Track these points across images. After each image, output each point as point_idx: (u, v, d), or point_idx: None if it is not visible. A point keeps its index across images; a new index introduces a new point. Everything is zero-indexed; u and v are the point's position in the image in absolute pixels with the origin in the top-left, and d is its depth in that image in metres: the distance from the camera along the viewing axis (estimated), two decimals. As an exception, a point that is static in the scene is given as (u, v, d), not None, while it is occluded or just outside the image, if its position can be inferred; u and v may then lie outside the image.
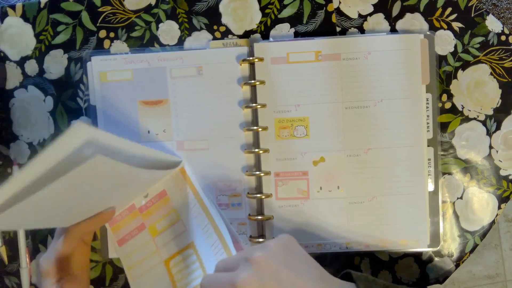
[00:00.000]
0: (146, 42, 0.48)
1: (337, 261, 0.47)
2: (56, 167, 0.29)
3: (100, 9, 0.48)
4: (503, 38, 0.47)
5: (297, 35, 0.47)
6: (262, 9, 0.47)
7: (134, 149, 0.36)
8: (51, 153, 0.29)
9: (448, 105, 0.47)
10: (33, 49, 0.48)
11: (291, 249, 0.35)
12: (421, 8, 0.47)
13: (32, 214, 0.34)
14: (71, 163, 0.29)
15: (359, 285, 0.34)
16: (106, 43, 0.48)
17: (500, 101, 0.47)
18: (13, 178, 0.29)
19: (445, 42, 0.47)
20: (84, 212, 0.41)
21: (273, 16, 0.47)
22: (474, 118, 0.47)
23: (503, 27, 0.47)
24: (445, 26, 0.47)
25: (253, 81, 0.45)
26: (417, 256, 0.47)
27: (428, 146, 0.46)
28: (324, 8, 0.47)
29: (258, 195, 0.46)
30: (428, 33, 0.46)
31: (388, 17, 0.47)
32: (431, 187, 0.46)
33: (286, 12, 0.47)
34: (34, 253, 0.49)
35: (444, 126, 0.47)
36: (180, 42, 0.48)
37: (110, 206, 0.43)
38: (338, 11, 0.47)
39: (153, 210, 0.45)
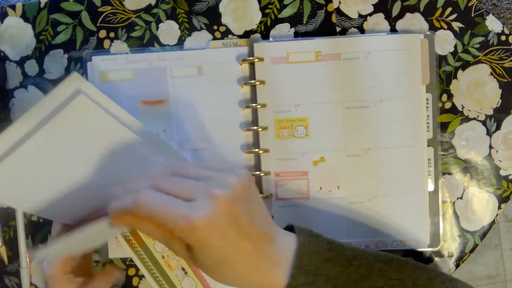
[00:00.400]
0: (146, 42, 0.48)
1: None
2: (47, 118, 0.29)
3: (100, 9, 0.48)
4: (503, 38, 0.47)
5: (297, 35, 0.47)
6: (262, 9, 0.47)
7: (122, 117, 0.35)
8: (44, 103, 0.28)
9: (448, 105, 0.47)
10: (33, 49, 0.48)
11: (250, 191, 0.32)
12: (421, 8, 0.47)
13: (27, 182, 0.32)
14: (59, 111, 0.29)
15: (300, 237, 0.34)
16: (106, 43, 0.48)
17: (500, 101, 0.47)
18: (7, 129, 0.28)
19: (445, 42, 0.47)
20: (83, 205, 0.39)
21: (273, 16, 0.47)
22: (474, 118, 0.47)
23: (503, 27, 0.47)
24: (445, 26, 0.47)
25: (253, 81, 0.45)
26: (417, 256, 0.47)
27: (428, 146, 0.46)
28: (324, 8, 0.47)
29: (258, 195, 0.46)
30: (428, 33, 0.46)
31: (388, 17, 0.47)
32: (431, 187, 0.46)
33: (286, 12, 0.47)
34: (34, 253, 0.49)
35: (444, 126, 0.47)
36: (180, 42, 0.48)
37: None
38: (338, 11, 0.47)
39: None
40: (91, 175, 0.37)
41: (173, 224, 0.28)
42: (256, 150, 0.45)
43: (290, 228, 0.36)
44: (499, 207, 0.47)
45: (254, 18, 0.47)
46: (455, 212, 0.47)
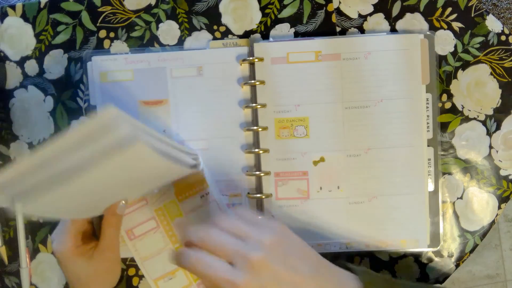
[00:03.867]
0: (146, 42, 0.48)
1: (337, 261, 0.47)
2: (85, 140, 0.28)
3: (100, 9, 0.48)
4: (503, 38, 0.47)
5: (297, 35, 0.47)
6: (262, 9, 0.47)
7: (160, 137, 0.35)
8: (81, 128, 0.28)
9: (448, 105, 0.47)
10: (33, 49, 0.48)
11: (287, 243, 0.35)
12: (421, 8, 0.47)
13: (58, 200, 0.32)
14: (102, 137, 0.28)
15: (361, 276, 0.35)
16: (106, 43, 0.48)
17: (500, 101, 0.47)
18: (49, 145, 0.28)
19: (445, 42, 0.47)
20: (101, 203, 0.40)
21: (273, 16, 0.47)
22: (474, 118, 0.47)
23: (503, 27, 0.47)
24: (445, 26, 0.47)
25: (253, 81, 0.45)
26: (417, 256, 0.47)
27: (428, 146, 0.46)
28: (324, 8, 0.47)
29: (258, 195, 0.46)
30: (428, 33, 0.46)
31: (388, 17, 0.47)
32: (431, 187, 0.46)
33: (286, 12, 0.47)
34: (34, 253, 0.49)
35: (444, 126, 0.47)
36: (180, 42, 0.48)
37: (123, 197, 0.42)
38: (338, 11, 0.47)
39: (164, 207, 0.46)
40: (121, 189, 0.37)
41: (220, 286, 0.32)
42: (256, 150, 0.45)
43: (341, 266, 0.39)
44: (499, 207, 0.47)
45: (254, 18, 0.47)
46: (455, 212, 0.47)
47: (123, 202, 0.41)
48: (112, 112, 0.28)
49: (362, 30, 0.47)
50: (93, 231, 0.44)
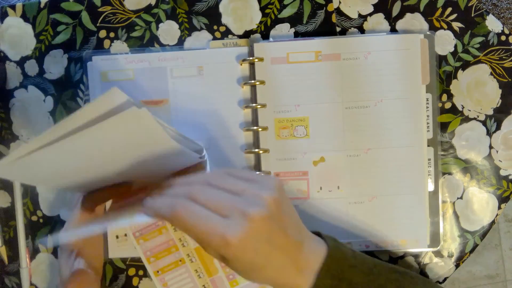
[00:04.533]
0: (146, 42, 0.48)
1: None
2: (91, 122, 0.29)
3: (100, 9, 0.48)
4: (503, 38, 0.47)
5: (297, 35, 0.47)
6: (262, 9, 0.47)
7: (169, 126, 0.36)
8: (88, 110, 0.28)
9: (448, 105, 0.47)
10: (33, 49, 0.48)
11: (284, 203, 0.33)
12: (421, 8, 0.47)
13: (58, 165, 0.33)
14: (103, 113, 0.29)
15: (329, 243, 0.36)
16: (106, 43, 0.48)
17: (500, 101, 0.47)
18: (49, 130, 0.29)
19: (445, 42, 0.47)
20: (104, 178, 0.40)
21: (273, 16, 0.47)
22: (474, 118, 0.47)
23: (503, 27, 0.47)
24: (445, 26, 0.47)
25: (253, 81, 0.45)
26: (417, 256, 0.47)
27: (428, 146, 0.46)
28: (324, 8, 0.47)
29: (258, 195, 0.46)
30: (428, 33, 0.46)
31: (388, 17, 0.47)
32: (431, 187, 0.46)
33: (286, 12, 0.47)
34: (34, 253, 0.49)
35: (444, 126, 0.47)
36: (180, 42, 0.48)
37: (128, 179, 0.42)
38: (338, 11, 0.47)
39: None
40: (124, 165, 0.37)
41: (208, 239, 0.30)
42: (256, 150, 0.45)
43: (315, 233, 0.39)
44: (499, 207, 0.47)
45: (254, 18, 0.47)
46: (455, 212, 0.47)
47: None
48: (116, 94, 0.28)
49: (362, 30, 0.47)
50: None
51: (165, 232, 0.46)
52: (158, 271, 0.46)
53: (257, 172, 0.38)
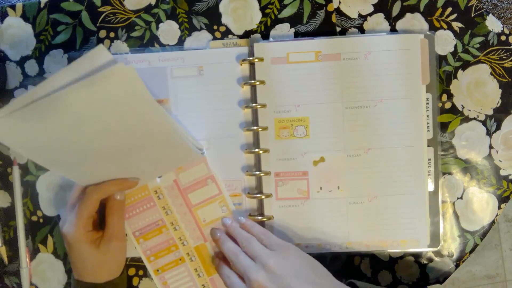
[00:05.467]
0: (146, 42, 0.48)
1: (337, 261, 0.47)
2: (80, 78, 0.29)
3: (100, 9, 0.48)
4: (503, 38, 0.47)
5: (297, 35, 0.47)
6: (262, 9, 0.47)
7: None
8: (71, 68, 0.28)
9: (448, 105, 0.47)
10: (33, 49, 0.48)
11: (288, 266, 0.38)
12: (421, 8, 0.47)
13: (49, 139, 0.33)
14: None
15: None
16: (106, 43, 0.48)
17: (500, 101, 0.47)
18: (36, 87, 0.29)
19: (445, 42, 0.47)
20: (105, 173, 0.40)
21: (273, 16, 0.47)
22: (474, 118, 0.47)
23: (503, 27, 0.47)
24: (445, 26, 0.47)
25: (253, 81, 0.45)
26: (417, 256, 0.47)
27: (428, 146, 0.46)
28: (324, 8, 0.47)
29: (258, 195, 0.46)
30: (428, 33, 0.46)
31: (388, 17, 0.47)
32: (431, 187, 0.46)
33: (286, 12, 0.47)
34: (34, 253, 0.49)
35: (444, 126, 0.47)
36: (180, 42, 0.48)
37: (135, 176, 0.43)
38: (338, 11, 0.47)
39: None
40: (117, 141, 0.37)
41: None
42: (256, 150, 0.45)
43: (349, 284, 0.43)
44: (499, 207, 0.47)
45: (254, 18, 0.47)
46: (455, 212, 0.47)
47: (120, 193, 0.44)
48: (101, 52, 0.28)
49: (362, 30, 0.47)
50: (100, 223, 0.45)
51: (165, 231, 0.46)
52: (158, 270, 0.46)
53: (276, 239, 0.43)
